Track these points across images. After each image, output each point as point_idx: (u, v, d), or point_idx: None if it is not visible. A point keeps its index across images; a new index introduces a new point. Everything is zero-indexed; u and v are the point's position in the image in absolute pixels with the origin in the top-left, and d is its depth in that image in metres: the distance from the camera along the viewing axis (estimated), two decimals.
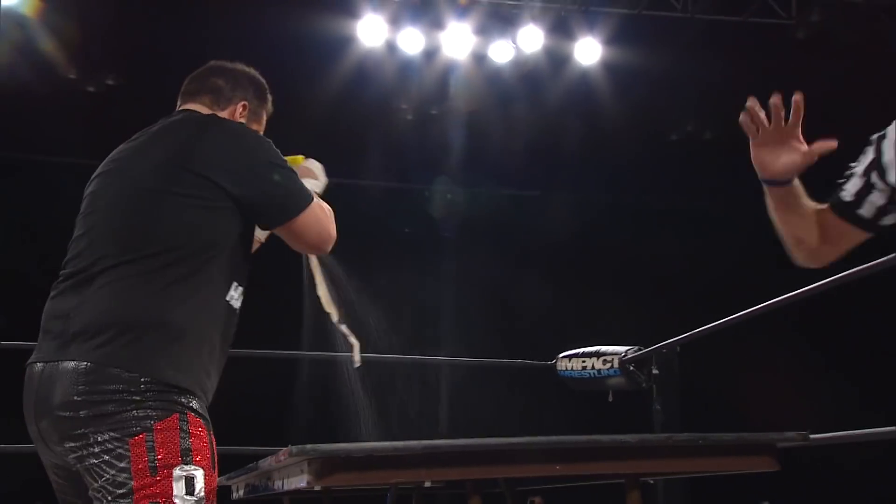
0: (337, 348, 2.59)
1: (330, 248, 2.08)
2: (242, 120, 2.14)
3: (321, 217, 2.03)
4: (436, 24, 7.09)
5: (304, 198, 1.99)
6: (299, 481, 1.60)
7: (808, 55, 7.83)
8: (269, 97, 2.26)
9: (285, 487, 1.79)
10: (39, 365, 1.84)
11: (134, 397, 1.75)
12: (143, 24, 7.66)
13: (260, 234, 2.18)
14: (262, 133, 2.20)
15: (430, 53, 7.29)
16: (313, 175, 2.26)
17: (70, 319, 1.84)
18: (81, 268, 1.91)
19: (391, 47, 7.25)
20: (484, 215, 9.56)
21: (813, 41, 7.89)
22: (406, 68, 7.48)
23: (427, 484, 2.60)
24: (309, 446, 1.51)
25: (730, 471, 1.59)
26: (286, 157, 2.13)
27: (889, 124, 1.54)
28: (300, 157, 2.32)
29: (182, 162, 1.90)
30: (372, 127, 8.52)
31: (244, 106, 2.16)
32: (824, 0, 7.69)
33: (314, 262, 2.35)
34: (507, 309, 9.23)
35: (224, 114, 2.11)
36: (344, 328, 2.23)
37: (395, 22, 7.15)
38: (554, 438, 1.57)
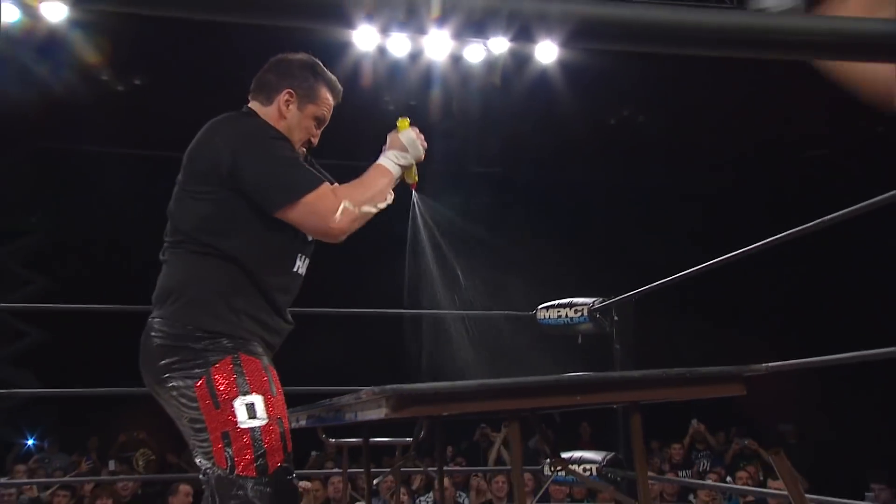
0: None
1: (335, 239, 1.94)
2: (290, 107, 2.07)
3: (319, 209, 1.88)
4: (419, 30, 7.14)
5: (296, 190, 1.89)
6: (377, 413, 1.66)
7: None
8: (326, 77, 2.14)
9: (358, 419, 1.84)
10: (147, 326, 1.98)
11: (193, 345, 1.85)
12: (165, 31, 7.57)
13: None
14: (324, 103, 2.13)
15: (415, 55, 7.34)
16: (401, 147, 2.11)
17: (156, 288, 2.01)
18: (161, 252, 2.06)
19: (381, 50, 7.29)
20: (461, 191, 9.64)
21: None
22: (394, 68, 7.51)
23: (444, 413, 2.75)
24: (388, 387, 1.58)
25: (709, 396, 1.72)
26: (399, 120, 2.12)
27: None
28: (406, 120, 2.16)
29: (194, 164, 1.99)
30: (364, 117, 8.59)
31: (290, 94, 2.07)
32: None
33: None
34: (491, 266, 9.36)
35: (271, 106, 2.07)
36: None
37: (386, 29, 7.19)
38: (575, 375, 1.70)
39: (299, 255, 2.06)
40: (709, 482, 6.07)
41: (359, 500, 5.56)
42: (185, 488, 6.13)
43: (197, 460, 1.87)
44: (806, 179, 9.55)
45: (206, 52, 7.81)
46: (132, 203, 9.33)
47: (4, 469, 7.78)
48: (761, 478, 6.56)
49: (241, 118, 2.06)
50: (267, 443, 1.80)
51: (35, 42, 7.17)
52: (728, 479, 6.51)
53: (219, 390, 1.80)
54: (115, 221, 9.42)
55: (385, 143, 2.18)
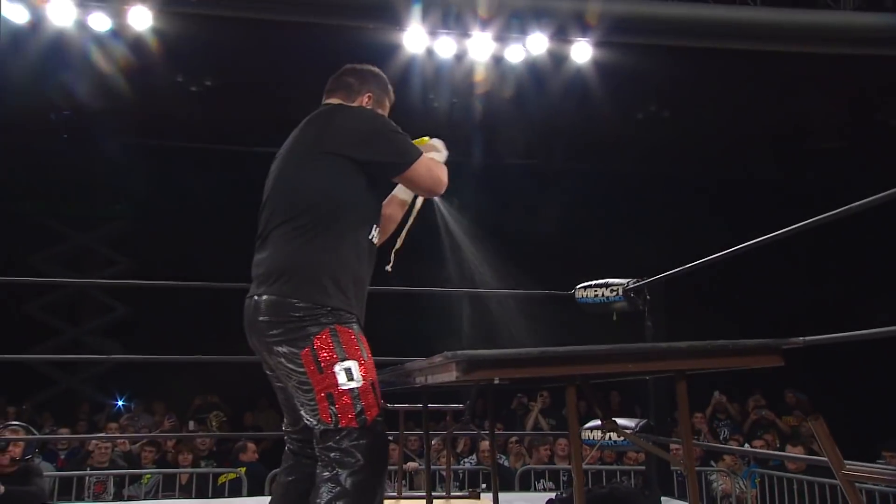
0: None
1: (441, 191, 2.16)
2: (369, 107, 2.20)
3: (432, 167, 2.10)
4: (464, 33, 7.08)
5: (413, 154, 2.07)
6: (448, 377, 1.68)
7: (747, 50, 7.79)
8: (391, 88, 2.31)
9: (429, 382, 1.87)
10: (247, 299, 2.04)
11: (298, 320, 1.91)
12: (231, 38, 7.64)
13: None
14: (387, 111, 2.28)
15: (460, 56, 7.30)
16: (436, 149, 2.28)
17: (259, 267, 2.04)
18: (262, 230, 2.08)
19: (429, 52, 7.25)
20: (500, 184, 9.60)
21: None
22: (440, 69, 7.48)
23: (496, 381, 2.75)
24: (459, 352, 1.61)
25: (749, 366, 1.70)
26: (415, 140, 2.22)
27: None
28: (425, 138, 2.34)
29: (315, 145, 2.03)
30: (411, 115, 8.58)
31: (369, 97, 2.21)
32: (761, 7, 7.63)
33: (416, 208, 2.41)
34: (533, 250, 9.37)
35: (354, 105, 2.18)
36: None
37: (433, 32, 7.14)
38: (628, 345, 1.69)
39: (375, 225, 2.13)
40: (731, 447, 6.01)
41: (412, 460, 5.61)
42: (251, 445, 6.26)
43: (303, 415, 1.96)
44: (823, 170, 9.36)
45: (266, 57, 7.88)
46: (204, 192, 9.49)
47: (98, 426, 8.00)
48: (777, 445, 6.48)
49: (345, 107, 2.15)
50: (364, 401, 1.89)
51: (122, 48, 7.29)
52: (745, 445, 6.44)
53: (321, 357, 1.89)
54: (189, 208, 9.59)
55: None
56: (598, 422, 4.22)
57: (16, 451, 3.95)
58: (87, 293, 10.61)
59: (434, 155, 2.21)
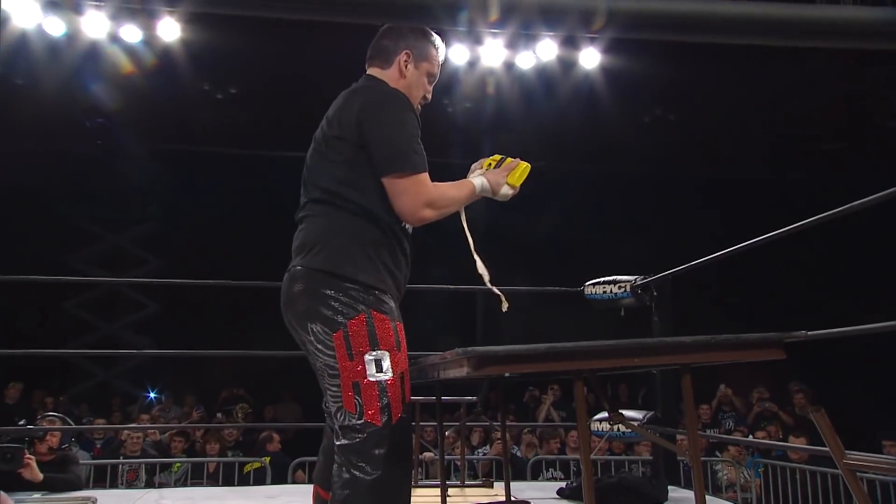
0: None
1: (414, 223, 1.89)
2: (408, 66, 1.99)
3: (418, 192, 1.82)
4: (476, 40, 7.07)
5: (406, 163, 1.82)
6: (459, 372, 1.66)
7: (751, 54, 7.73)
8: (433, 38, 2.06)
9: (441, 377, 1.83)
10: (285, 274, 1.94)
11: (333, 295, 1.79)
12: (253, 46, 7.63)
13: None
14: (435, 60, 2.06)
15: (472, 63, 7.29)
16: (496, 187, 2.07)
17: (295, 241, 1.96)
18: (299, 209, 2.00)
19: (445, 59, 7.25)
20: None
21: (752, 45, 7.78)
22: (453, 75, 7.47)
23: (507, 374, 2.72)
24: (469, 348, 1.58)
25: (752, 359, 1.67)
26: (512, 159, 2.11)
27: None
28: (523, 163, 2.14)
29: (332, 128, 1.91)
30: (426, 118, 8.53)
31: (407, 54, 1.99)
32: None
33: (464, 221, 2.08)
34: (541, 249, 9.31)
35: (391, 68, 1.99)
36: (495, 289, 2.07)
37: (446, 41, 7.15)
38: (634, 340, 1.65)
39: None
40: (736, 438, 5.95)
41: (428, 450, 5.60)
42: (276, 436, 6.29)
43: (326, 400, 1.85)
44: (823, 171, 9.26)
45: (288, 65, 7.89)
46: (229, 195, 9.55)
47: (131, 417, 8.06)
48: (780, 436, 6.41)
49: (371, 86, 1.96)
50: (391, 395, 1.77)
51: (151, 58, 7.33)
52: (749, 436, 6.38)
53: (354, 343, 1.77)
54: (215, 210, 9.64)
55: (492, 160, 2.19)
56: (607, 413, 4.21)
57: (53, 440, 3.97)
58: (121, 291, 10.70)
59: (486, 188, 2.03)
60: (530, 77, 7.45)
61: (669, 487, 3.74)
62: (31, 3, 6.70)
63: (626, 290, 4.03)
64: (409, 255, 1.99)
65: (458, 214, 2.06)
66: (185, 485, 5.48)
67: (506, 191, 2.10)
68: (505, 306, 2.04)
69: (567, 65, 7.34)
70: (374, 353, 1.78)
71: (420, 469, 4.18)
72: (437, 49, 2.07)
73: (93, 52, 7.13)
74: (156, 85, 7.91)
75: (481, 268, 2.06)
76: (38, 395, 8.31)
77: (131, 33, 6.89)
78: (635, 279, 4.01)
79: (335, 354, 1.79)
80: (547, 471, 6.01)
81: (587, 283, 4.19)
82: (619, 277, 4.09)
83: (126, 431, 5.84)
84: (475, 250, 2.07)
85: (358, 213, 1.86)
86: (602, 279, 4.14)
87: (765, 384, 7.84)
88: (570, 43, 7.01)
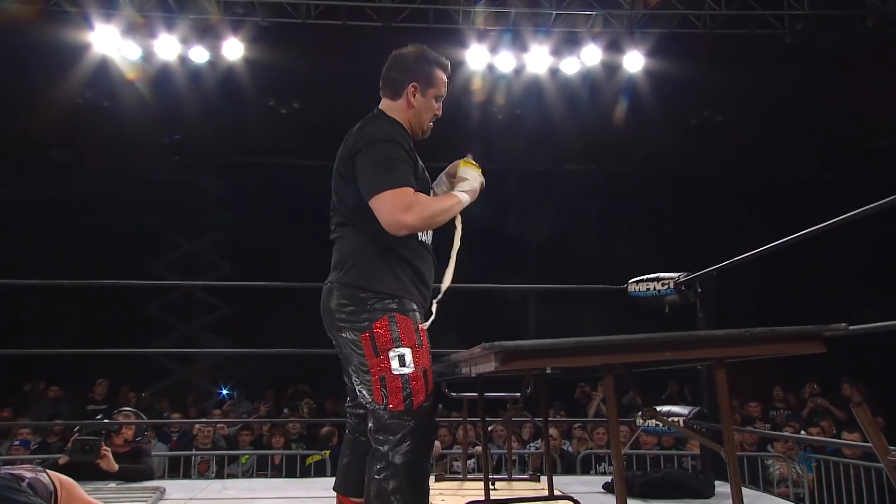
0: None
1: (398, 233, 1.91)
2: (416, 97, 2.06)
3: (393, 206, 1.86)
4: (522, 48, 7.00)
5: (384, 183, 1.88)
6: (487, 367, 1.60)
7: (796, 56, 7.47)
8: (438, 61, 2.10)
9: (473, 373, 1.80)
10: (324, 286, 2.07)
11: (362, 304, 1.93)
12: (310, 64, 7.73)
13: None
14: (441, 83, 2.10)
15: (518, 70, 7.19)
16: (471, 186, 2.11)
17: (333, 258, 2.09)
18: (332, 231, 2.12)
19: (490, 67, 7.18)
20: (553, 188, 9.42)
21: (799, 45, 7.51)
22: (501, 81, 7.40)
23: (548, 370, 2.63)
24: (496, 343, 1.52)
25: (790, 353, 1.55)
26: (467, 160, 2.15)
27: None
28: (471, 161, 2.18)
29: (346, 157, 2.00)
30: (473, 124, 8.45)
31: (414, 87, 2.06)
32: (808, 13, 7.28)
33: (457, 241, 2.13)
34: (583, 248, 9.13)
35: (401, 100, 2.07)
36: (434, 303, 2.09)
37: (494, 49, 7.08)
38: (664, 334, 1.55)
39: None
40: (786, 434, 5.67)
41: (478, 444, 5.52)
42: (337, 431, 6.30)
43: (362, 392, 1.96)
44: (876, 167, 8.80)
45: (344, 80, 7.96)
46: (295, 202, 9.68)
47: (205, 412, 8.23)
48: (834, 431, 6.09)
49: (367, 122, 2.06)
50: (413, 386, 1.88)
51: (218, 76, 7.50)
52: (802, 432, 6.08)
53: (379, 342, 1.89)
54: (282, 217, 9.79)
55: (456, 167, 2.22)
56: (657, 408, 4.05)
57: (128, 433, 4.05)
58: (196, 295, 10.98)
59: (465, 193, 2.07)
60: (575, 82, 7.31)
61: (717, 483, 3.57)
62: (112, 29, 6.95)
63: (669, 287, 3.86)
64: (425, 263, 2.05)
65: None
66: (251, 476, 5.55)
67: (473, 176, 2.13)
68: (426, 325, 2.02)
69: (611, 69, 7.16)
70: (397, 349, 1.89)
71: (468, 463, 4.10)
72: (442, 69, 2.13)
73: (165, 74, 7.32)
74: (223, 102, 8.10)
75: (446, 282, 2.10)
76: (123, 391, 8.56)
77: (199, 54, 7.05)
78: (679, 276, 3.84)
79: (364, 353, 1.92)
80: (599, 465, 5.85)
81: (630, 281, 4.03)
82: (662, 275, 3.92)
83: (197, 426, 5.95)
84: (451, 267, 2.12)
85: (378, 234, 1.95)
86: (646, 276, 3.98)
87: (818, 380, 7.48)
88: (613, 48, 6.85)
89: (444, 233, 2.20)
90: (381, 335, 1.89)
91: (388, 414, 1.87)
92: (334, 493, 2.19)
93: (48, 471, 2.30)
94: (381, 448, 1.87)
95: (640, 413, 3.85)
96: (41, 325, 8.34)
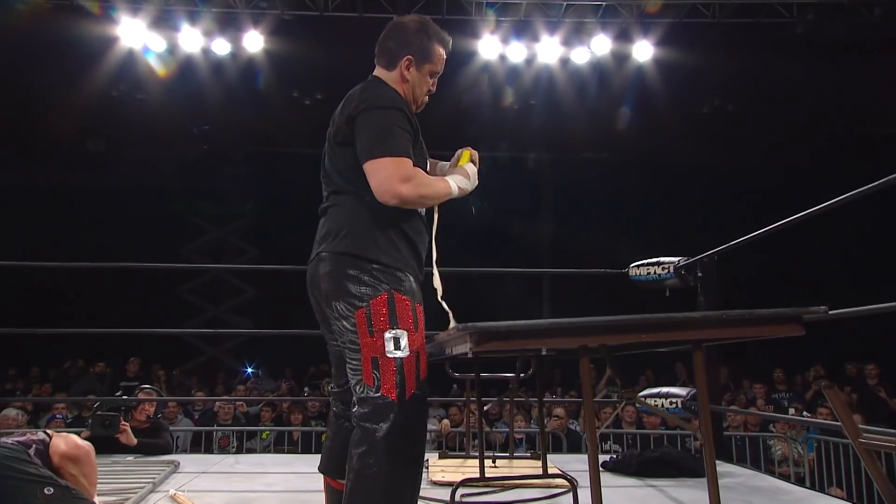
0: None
1: (389, 203, 1.75)
2: (410, 69, 1.92)
3: (391, 173, 1.73)
4: (533, 38, 6.87)
5: (383, 149, 1.74)
6: (464, 348, 1.56)
7: (806, 45, 7.25)
8: (438, 35, 1.95)
9: (454, 353, 1.75)
10: (310, 260, 1.93)
11: (357, 276, 1.76)
12: (331, 57, 7.65)
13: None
14: (438, 59, 1.96)
15: (530, 60, 7.07)
16: (466, 176, 1.98)
17: (321, 231, 1.94)
18: (323, 202, 1.98)
19: (502, 57, 7.07)
20: (568, 177, 9.29)
21: (808, 34, 7.30)
22: (513, 71, 7.29)
23: (543, 352, 2.58)
24: (469, 324, 1.47)
25: (768, 335, 1.48)
26: (463, 152, 2.02)
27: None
28: (467, 154, 2.04)
29: (340, 124, 1.86)
30: (485, 112, 8.34)
31: (408, 60, 1.92)
32: (817, 2, 7.06)
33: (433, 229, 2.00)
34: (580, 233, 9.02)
35: (395, 71, 1.93)
36: (444, 304, 1.98)
37: (505, 39, 6.97)
38: (641, 315, 1.49)
39: None
40: (789, 416, 5.56)
41: (488, 423, 5.49)
42: None
43: (348, 373, 1.81)
44: (883, 157, 8.54)
45: (362, 68, 7.88)
46: (318, 190, 9.66)
47: (230, 388, 8.30)
48: None
49: (368, 86, 1.90)
50: (406, 371, 1.74)
51: (239, 67, 7.48)
52: (805, 413, 5.95)
53: (375, 321, 1.74)
54: (305, 204, 9.77)
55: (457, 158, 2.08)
56: (655, 389, 3.97)
57: (150, 409, 4.08)
58: (224, 278, 11.07)
59: (460, 181, 1.94)
60: (585, 72, 7.17)
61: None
62: (138, 22, 6.96)
63: (669, 271, 3.78)
64: (422, 237, 1.91)
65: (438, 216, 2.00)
66: (269, 452, 5.58)
67: (472, 170, 2.00)
68: (452, 324, 1.88)
69: (620, 58, 7.02)
70: (393, 331, 1.75)
71: (470, 441, 4.07)
72: (443, 45, 1.97)
73: (189, 65, 7.32)
74: (247, 93, 8.09)
75: (437, 282, 1.98)
76: (154, 369, 8.67)
77: (221, 46, 7.03)
78: (679, 260, 3.75)
79: (357, 331, 1.76)
80: (605, 443, 5.79)
81: (631, 265, 3.95)
82: (663, 259, 3.84)
83: (218, 403, 5.99)
84: (436, 261, 1.99)
85: (369, 202, 1.81)
86: (646, 260, 3.90)
87: (822, 363, 7.32)
88: (623, 37, 6.70)
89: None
90: (377, 313, 1.74)
91: (379, 399, 1.72)
92: None
93: (49, 430, 2.33)
94: (367, 437, 1.71)
95: (640, 394, 3.78)
96: (79, 307, 8.48)
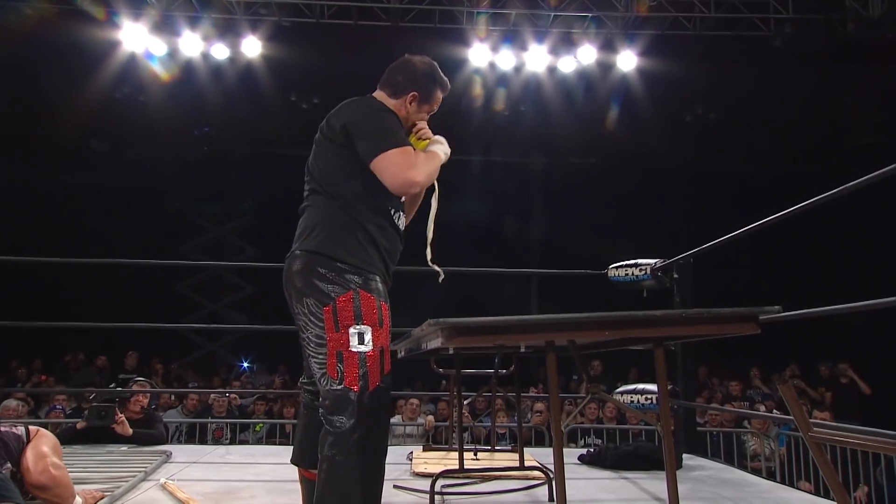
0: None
1: (408, 191, 1.82)
2: (412, 106, 1.99)
3: (401, 163, 1.77)
4: (522, 47, 6.88)
5: (388, 143, 1.78)
6: (436, 343, 1.57)
7: (783, 57, 7.29)
8: (442, 82, 2.02)
9: (429, 347, 1.75)
10: (287, 258, 1.93)
11: (326, 274, 1.78)
12: (329, 62, 7.67)
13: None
14: (437, 102, 2.03)
15: (518, 68, 7.09)
16: (439, 142, 2.01)
17: (297, 229, 1.95)
18: (303, 199, 1.99)
19: (492, 65, 7.08)
20: (555, 181, 9.30)
21: (786, 47, 7.35)
22: (502, 78, 7.30)
23: (522, 349, 2.58)
24: (441, 319, 1.48)
25: (726, 334, 1.50)
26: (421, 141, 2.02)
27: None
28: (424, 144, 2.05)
29: (328, 129, 1.89)
30: (474, 119, 8.34)
31: (413, 96, 1.98)
32: (794, 17, 7.10)
33: (434, 208, 2.07)
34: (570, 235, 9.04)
35: (397, 101, 1.98)
36: (435, 266, 2.06)
37: (495, 48, 6.98)
38: (604, 313, 1.51)
39: (393, 208, 1.94)
40: (759, 412, 5.59)
41: (477, 418, 5.50)
42: None
43: (313, 367, 1.81)
44: (861, 166, 8.59)
45: (363, 75, 7.88)
46: None
47: (227, 383, 8.28)
48: (808, 409, 5.99)
49: (364, 98, 1.97)
50: (370, 366, 1.75)
51: (238, 72, 7.46)
52: (775, 411, 5.99)
53: (341, 317, 1.76)
54: (299, 203, 9.78)
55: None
56: (632, 386, 3.98)
57: (144, 401, 4.07)
58: (223, 275, 11.05)
59: (443, 151, 1.98)
60: (572, 80, 7.19)
61: (686, 455, 3.52)
62: (140, 27, 6.94)
63: (646, 273, 3.78)
64: (392, 243, 1.93)
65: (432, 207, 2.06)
66: (263, 443, 5.57)
67: (441, 139, 2.04)
68: (441, 276, 2.06)
69: (605, 67, 7.04)
70: (358, 326, 1.76)
71: (454, 434, 4.08)
72: (443, 91, 2.05)
73: (189, 69, 7.30)
74: (245, 96, 8.07)
75: (430, 254, 2.07)
76: (152, 362, 8.64)
77: (220, 51, 7.02)
78: (655, 262, 3.76)
79: (324, 326, 1.77)
80: (587, 437, 5.81)
81: (610, 267, 3.96)
82: (640, 260, 3.84)
83: (213, 396, 5.97)
84: (431, 244, 2.05)
85: (348, 203, 1.85)
86: (624, 262, 3.90)
87: (797, 363, 7.36)
88: (608, 48, 6.72)
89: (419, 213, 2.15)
90: (343, 309, 1.75)
91: (342, 391, 1.73)
92: None
93: (29, 425, 2.30)
94: (334, 427, 1.73)
95: (616, 391, 3.79)
96: (81, 302, 8.44)
